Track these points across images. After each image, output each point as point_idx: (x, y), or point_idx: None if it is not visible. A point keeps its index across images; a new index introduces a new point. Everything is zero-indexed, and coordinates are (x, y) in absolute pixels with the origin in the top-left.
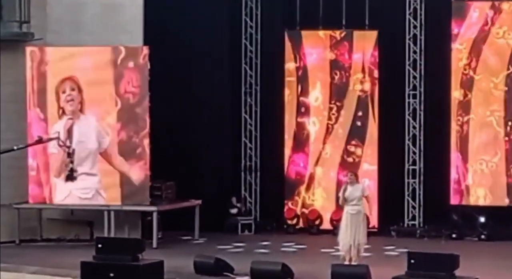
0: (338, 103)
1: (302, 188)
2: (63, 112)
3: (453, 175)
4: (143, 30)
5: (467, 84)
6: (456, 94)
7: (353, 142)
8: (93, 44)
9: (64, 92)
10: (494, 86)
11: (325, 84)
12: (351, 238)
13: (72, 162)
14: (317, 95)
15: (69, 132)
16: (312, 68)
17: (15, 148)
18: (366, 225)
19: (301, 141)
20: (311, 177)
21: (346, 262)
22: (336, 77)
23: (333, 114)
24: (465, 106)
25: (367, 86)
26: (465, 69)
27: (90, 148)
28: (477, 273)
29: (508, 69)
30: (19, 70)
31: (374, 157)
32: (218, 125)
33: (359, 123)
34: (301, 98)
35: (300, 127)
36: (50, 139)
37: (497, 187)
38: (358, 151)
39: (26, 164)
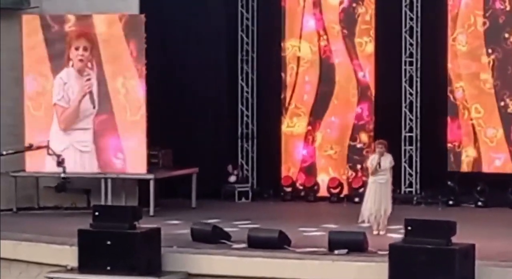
0: None
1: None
2: (72, 65)
3: (450, 141)
4: None
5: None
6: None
7: None
8: (88, 12)
9: (77, 49)
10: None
11: None
12: (382, 207)
13: (64, 172)
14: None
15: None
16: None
17: (4, 153)
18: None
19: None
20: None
21: (375, 232)
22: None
23: None
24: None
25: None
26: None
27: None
28: (473, 240)
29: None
30: (15, 38)
31: (371, 124)
32: (214, 93)
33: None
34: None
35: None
36: (40, 147)
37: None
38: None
39: (23, 131)
